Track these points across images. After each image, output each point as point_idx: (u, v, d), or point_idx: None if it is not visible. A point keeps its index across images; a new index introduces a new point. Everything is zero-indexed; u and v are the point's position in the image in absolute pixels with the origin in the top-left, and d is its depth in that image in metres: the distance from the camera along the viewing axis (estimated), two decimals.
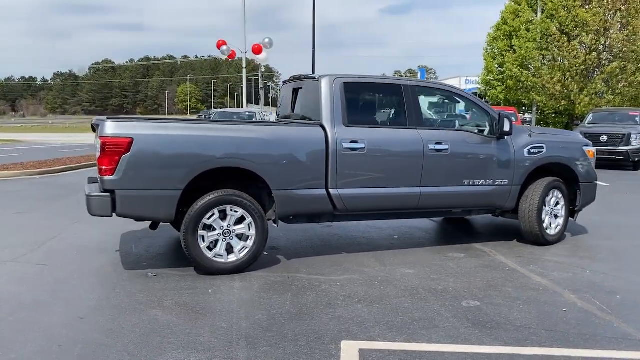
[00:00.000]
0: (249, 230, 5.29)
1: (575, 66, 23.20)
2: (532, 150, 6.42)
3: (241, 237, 5.30)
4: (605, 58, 23.71)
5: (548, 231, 6.57)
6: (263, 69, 31.37)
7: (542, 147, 6.47)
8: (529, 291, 4.92)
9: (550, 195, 6.57)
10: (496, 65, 27.39)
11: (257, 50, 26.04)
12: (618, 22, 23.23)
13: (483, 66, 29.09)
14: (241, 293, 4.77)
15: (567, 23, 23.43)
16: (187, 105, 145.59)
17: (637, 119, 18.54)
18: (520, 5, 26.14)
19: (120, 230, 6.99)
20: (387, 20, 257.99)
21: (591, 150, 6.94)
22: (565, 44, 23.43)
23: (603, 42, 23.27)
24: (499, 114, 6.21)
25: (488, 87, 27.97)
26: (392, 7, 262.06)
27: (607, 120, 18.39)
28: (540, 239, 6.51)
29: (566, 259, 6.07)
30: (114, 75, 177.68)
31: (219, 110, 26.96)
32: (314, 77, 5.90)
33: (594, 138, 13.95)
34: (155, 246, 6.37)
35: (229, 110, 28.50)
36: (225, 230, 5.23)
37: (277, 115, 7.19)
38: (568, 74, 23.33)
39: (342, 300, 4.61)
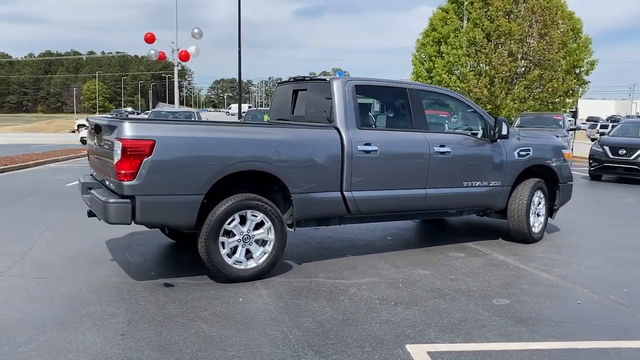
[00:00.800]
0: (268, 235, 5.14)
1: (502, 73, 24.66)
2: (521, 153, 6.75)
3: (260, 242, 5.14)
4: (526, 65, 25.39)
5: (533, 229, 6.93)
6: (185, 64, 30.31)
7: (529, 150, 6.83)
8: (545, 287, 5.17)
9: (534, 196, 6.94)
10: (424, 71, 28.45)
11: (184, 57, 25.20)
12: (537, 32, 24.95)
13: (412, 71, 30.13)
14: (273, 300, 4.62)
15: (491, 32, 24.85)
16: (94, 104, 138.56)
17: (560, 122, 20.01)
18: (448, 13, 27.36)
19: (97, 237, 6.58)
20: (301, 22, 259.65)
21: (568, 152, 7.41)
22: (491, 52, 24.85)
23: (524, 51, 24.90)
24: (495, 118, 6.48)
25: None
26: (305, 10, 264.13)
27: (534, 124, 19.67)
28: (527, 237, 6.85)
29: (557, 255, 6.43)
30: (12, 70, 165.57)
31: (156, 109, 25.80)
32: (324, 79, 5.84)
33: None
34: (151, 254, 6.03)
35: (165, 109, 27.28)
36: (245, 236, 5.05)
37: (270, 116, 7.05)
38: (496, 79, 24.75)
39: (380, 304, 4.60)
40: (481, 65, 25.14)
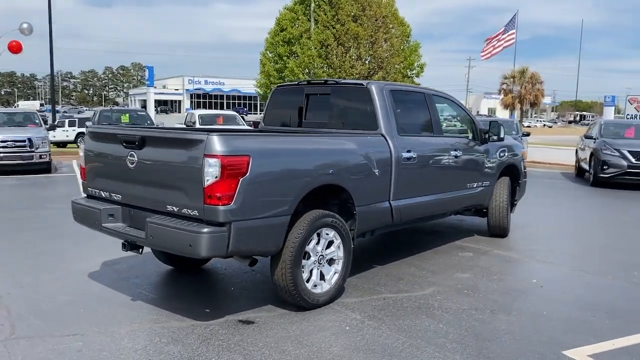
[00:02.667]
0: (338, 252, 4.74)
1: (352, 75, 25.94)
2: (501, 154, 7.22)
3: (329, 261, 4.71)
4: (371, 68, 27.10)
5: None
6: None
7: (505, 150, 7.34)
8: (580, 279, 5.65)
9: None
10: (275, 71, 28.56)
11: (15, 47, 21.57)
12: (381, 37, 26.79)
13: (260, 69, 30.02)
14: (381, 324, 4.26)
15: (341, 35, 25.99)
16: None
17: (512, 125, 21.27)
18: (297, 13, 27.85)
19: (87, 266, 5.41)
20: (88, 12, 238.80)
21: (524, 151, 8.15)
22: (342, 54, 25.99)
23: (371, 54, 26.55)
24: (490, 121, 6.83)
25: (267, 90, 28.93)
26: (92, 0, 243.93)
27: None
28: (505, 232, 7.38)
29: (541, 246, 7.04)
30: None
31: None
32: (360, 83, 5.54)
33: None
34: (170, 286, 5.14)
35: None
36: (320, 256, 4.59)
37: (264, 122, 6.44)
38: None
39: (480, 313, 4.56)
40: (333, 67, 26.13)
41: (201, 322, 4.22)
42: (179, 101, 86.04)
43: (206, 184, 3.77)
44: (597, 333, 4.17)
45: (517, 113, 53.93)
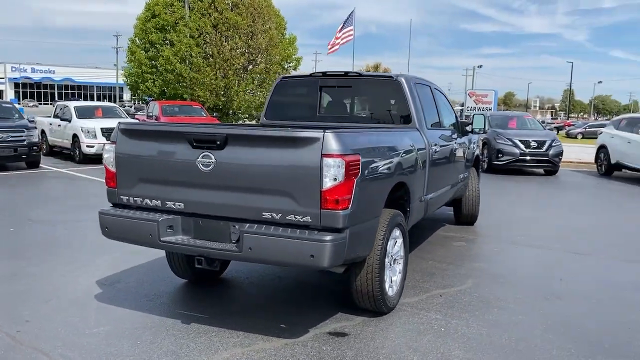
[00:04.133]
0: (401, 251, 4.58)
1: (234, 65, 25.17)
2: (472, 146, 7.54)
3: (394, 262, 4.53)
4: (253, 59, 26.53)
5: None
6: None
7: (475, 142, 7.68)
8: (587, 262, 6.13)
9: None
10: (147, 59, 26.54)
11: None
12: (260, 27, 26.31)
13: (127, 58, 27.68)
14: (462, 322, 4.21)
15: (219, 23, 25.04)
16: None
17: None
18: None
19: (85, 288, 4.57)
20: None
21: None
22: (222, 43, 25.06)
23: (252, 44, 25.94)
24: (474, 114, 7.07)
25: (140, 80, 26.83)
26: None
27: None
28: (475, 220, 7.75)
29: (514, 232, 7.52)
30: None
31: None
32: (390, 76, 5.35)
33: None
34: (205, 301, 4.53)
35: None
36: (392, 258, 4.40)
37: (265, 116, 5.92)
38: (230, 71, 25.09)
39: (533, 300, 4.72)
40: (212, 56, 25.10)
41: (291, 340, 3.79)
42: (0, 91, 76.43)
43: (325, 186, 3.37)
44: None
45: None
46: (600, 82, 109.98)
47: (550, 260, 6.11)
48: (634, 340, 3.94)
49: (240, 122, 27.88)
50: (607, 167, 15.22)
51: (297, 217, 3.46)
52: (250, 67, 26.27)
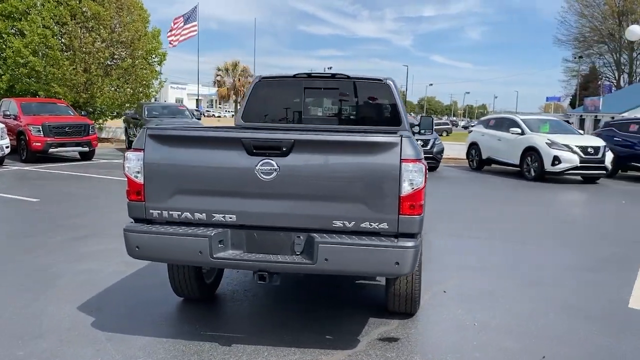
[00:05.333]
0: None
1: (100, 59, 23.06)
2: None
3: None
4: (117, 54, 24.53)
5: None
6: None
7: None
8: (526, 247, 6.77)
9: None
10: None
11: None
12: (124, 20, 24.45)
13: None
14: (490, 313, 4.46)
15: (78, 13, 22.77)
16: None
17: (186, 112, 20.88)
18: None
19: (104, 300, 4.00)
20: None
21: None
22: (80, 35, 22.81)
23: (115, 38, 23.98)
24: (422, 115, 7.40)
25: None
26: None
27: (163, 114, 19.84)
28: None
29: (443, 224, 8.05)
30: None
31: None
32: (378, 79, 5.39)
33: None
34: (235, 317, 4.22)
35: None
36: None
37: (242, 117, 5.58)
38: (93, 66, 22.89)
39: (528, 287, 5.15)
40: (72, 49, 22.72)
41: (352, 350, 3.70)
42: None
43: (404, 192, 3.34)
44: None
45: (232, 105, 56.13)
46: (431, 84, 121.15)
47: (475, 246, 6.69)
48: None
49: (106, 119, 25.81)
50: (478, 162, 16.92)
51: (373, 224, 3.38)
52: (115, 62, 24.34)
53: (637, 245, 7.13)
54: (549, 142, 13.95)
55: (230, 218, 3.49)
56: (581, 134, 16.24)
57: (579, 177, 14.67)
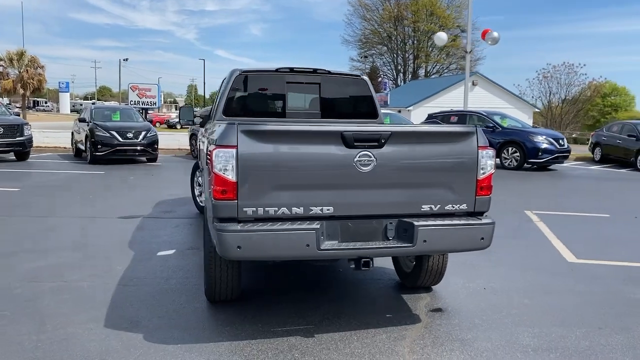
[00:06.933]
0: None
1: None
2: None
3: None
4: None
5: None
6: None
7: None
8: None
9: None
10: None
11: None
12: None
13: None
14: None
15: None
16: None
17: (2, 109, 17.93)
18: None
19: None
20: None
21: None
22: None
23: None
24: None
25: None
26: None
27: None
28: None
29: None
30: None
31: None
32: (357, 75, 5.70)
33: None
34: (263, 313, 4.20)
35: None
36: None
37: (223, 112, 5.36)
38: None
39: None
40: None
41: (419, 324, 4.05)
42: None
43: (480, 176, 3.80)
44: None
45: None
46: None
47: None
48: None
49: None
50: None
51: (455, 205, 3.78)
52: None
53: None
54: None
55: (328, 210, 3.56)
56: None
57: None
